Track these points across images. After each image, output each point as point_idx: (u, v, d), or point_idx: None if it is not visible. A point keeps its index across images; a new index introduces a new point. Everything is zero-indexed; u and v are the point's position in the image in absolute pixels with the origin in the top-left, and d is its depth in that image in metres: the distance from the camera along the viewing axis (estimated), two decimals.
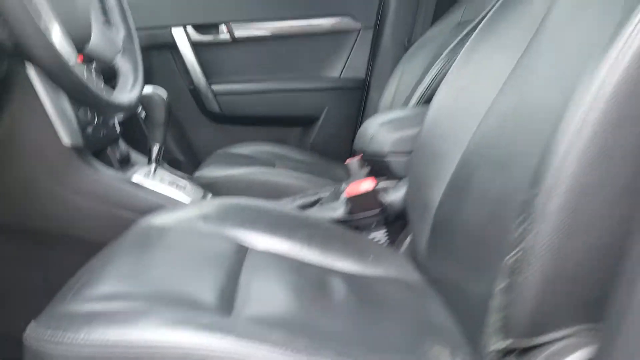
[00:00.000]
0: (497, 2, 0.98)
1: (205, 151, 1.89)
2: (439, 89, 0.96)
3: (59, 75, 0.69)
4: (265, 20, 1.84)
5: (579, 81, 0.51)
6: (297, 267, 0.86)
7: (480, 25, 0.99)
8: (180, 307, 0.60)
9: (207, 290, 0.69)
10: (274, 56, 1.88)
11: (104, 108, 0.77)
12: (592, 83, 0.49)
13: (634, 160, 0.48)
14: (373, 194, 0.98)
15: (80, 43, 0.76)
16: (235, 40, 1.84)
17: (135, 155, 1.22)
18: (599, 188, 0.48)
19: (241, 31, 1.84)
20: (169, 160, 1.89)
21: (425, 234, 0.90)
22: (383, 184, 1.06)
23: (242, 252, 0.86)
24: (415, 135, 1.02)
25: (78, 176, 0.97)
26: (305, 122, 1.90)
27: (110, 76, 0.96)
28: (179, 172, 1.20)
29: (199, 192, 1.17)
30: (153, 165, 1.12)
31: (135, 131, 1.23)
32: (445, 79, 0.96)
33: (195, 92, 1.83)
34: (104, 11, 0.92)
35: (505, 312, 0.54)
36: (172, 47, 1.81)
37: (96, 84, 0.76)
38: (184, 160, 1.91)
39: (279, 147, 1.76)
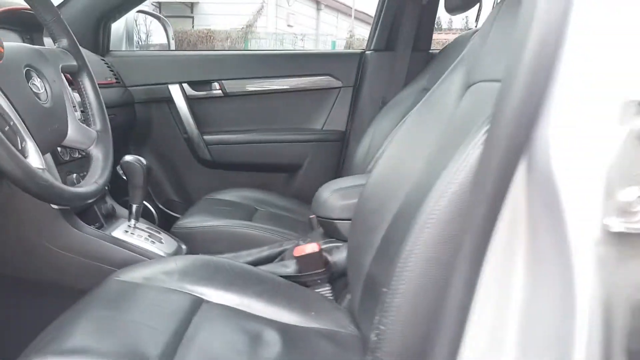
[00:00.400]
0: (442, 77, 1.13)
1: (198, 193, 2.05)
2: (380, 158, 1.11)
3: (26, 185, 0.83)
4: (254, 78, 2.01)
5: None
6: (243, 318, 1.01)
7: (419, 105, 1.14)
8: None
9: (153, 346, 0.84)
10: (262, 110, 2.05)
11: (70, 201, 0.93)
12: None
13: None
14: (318, 255, 1.12)
15: (59, 137, 0.93)
16: (226, 95, 2.01)
17: (119, 209, 1.38)
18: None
19: (232, 87, 2.01)
20: (165, 201, 2.06)
21: (358, 293, 1.04)
22: (329, 245, 1.20)
23: (196, 305, 1.01)
24: None
25: (64, 234, 1.13)
26: (289, 169, 2.06)
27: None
28: (156, 227, 1.36)
29: (173, 244, 1.32)
30: (132, 222, 1.28)
31: (120, 186, 1.39)
32: (385, 151, 1.11)
33: (189, 140, 2.01)
34: (83, 111, 1.10)
35: None
36: (169, 100, 2.00)
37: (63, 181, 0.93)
38: (178, 200, 2.08)
39: (263, 193, 1.91)
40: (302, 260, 1.13)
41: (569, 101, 0.45)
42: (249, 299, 1.06)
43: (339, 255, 1.15)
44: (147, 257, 1.21)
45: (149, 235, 1.28)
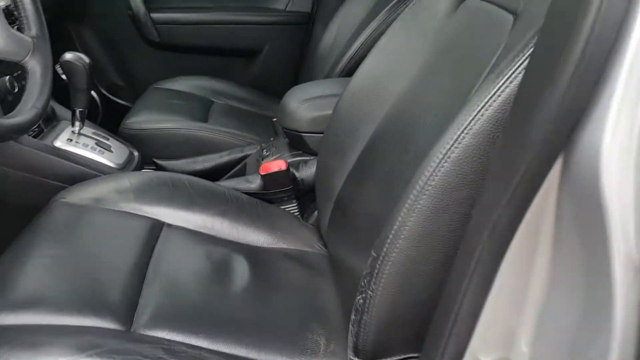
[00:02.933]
0: None
1: (145, 78, 1.88)
2: (357, 71, 1.00)
3: None
4: None
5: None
6: (207, 243, 0.95)
7: (407, 9, 1.00)
8: (84, 333, 0.67)
9: (115, 287, 0.78)
10: None
11: (5, 137, 0.77)
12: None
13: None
14: (285, 173, 1.04)
15: None
16: None
17: (60, 109, 1.23)
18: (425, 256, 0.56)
19: None
20: (109, 85, 1.88)
21: (327, 212, 0.99)
22: (296, 159, 1.12)
23: (156, 230, 0.94)
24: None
25: (1, 149, 1.00)
26: (247, 54, 1.89)
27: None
28: (103, 131, 1.23)
29: (124, 152, 1.20)
30: (77, 128, 1.14)
31: (60, 86, 1.22)
32: (365, 60, 0.99)
33: (134, 18, 1.78)
34: (14, 14, 0.89)
35: (355, 335, 0.65)
36: None
37: None
38: (123, 85, 1.90)
39: (219, 81, 1.76)
40: (268, 178, 1.05)
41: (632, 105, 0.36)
42: (212, 219, 1.00)
43: (307, 171, 1.08)
44: (96, 170, 1.10)
45: (96, 143, 1.15)
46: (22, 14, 0.85)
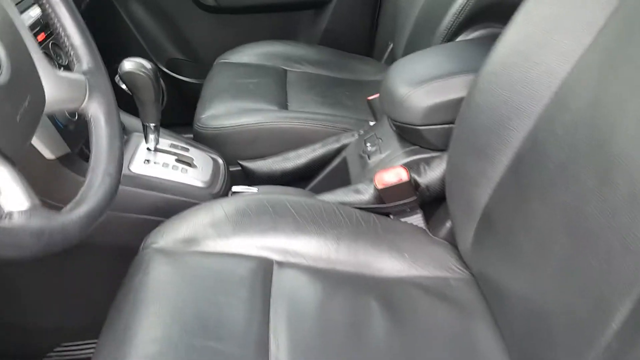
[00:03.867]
0: None
1: (205, 48, 1.69)
2: (496, 45, 0.76)
3: None
4: None
5: None
6: (327, 283, 0.80)
7: None
8: None
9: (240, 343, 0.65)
10: None
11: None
12: None
13: None
14: (407, 184, 0.85)
15: (37, 111, 0.57)
16: None
17: (126, 119, 1.07)
18: None
19: None
20: (168, 61, 1.70)
21: (470, 228, 0.80)
22: (414, 157, 0.92)
23: (267, 272, 0.79)
24: (456, 104, 0.85)
25: (71, 187, 0.86)
26: (315, 6, 1.64)
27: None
28: (180, 139, 1.06)
29: (208, 162, 1.04)
30: (152, 144, 0.98)
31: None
32: (507, 29, 0.76)
33: None
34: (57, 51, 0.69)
35: None
36: None
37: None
38: (185, 59, 1.72)
39: (287, 45, 1.54)
40: (385, 192, 0.86)
41: None
42: (326, 249, 0.83)
43: (432, 175, 0.88)
44: (183, 195, 0.95)
45: (176, 160, 0.99)
46: (66, 42, 0.65)
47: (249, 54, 1.50)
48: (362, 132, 1.11)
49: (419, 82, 0.89)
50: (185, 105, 1.75)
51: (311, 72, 1.47)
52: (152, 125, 0.96)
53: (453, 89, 0.86)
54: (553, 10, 0.69)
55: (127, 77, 0.89)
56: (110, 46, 1.65)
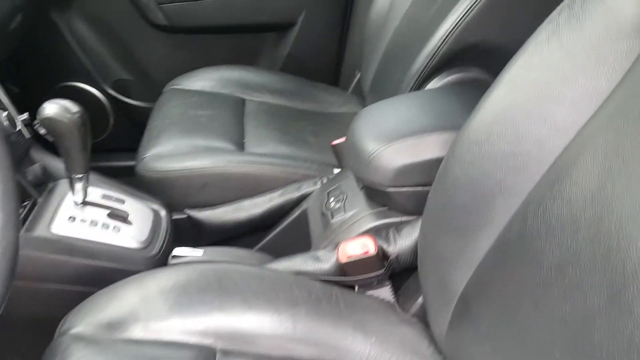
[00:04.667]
0: None
1: (156, 67, 1.55)
2: (479, 108, 0.66)
3: None
4: None
5: None
6: None
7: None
8: None
9: None
10: None
11: None
12: None
13: None
14: (374, 257, 0.74)
15: None
16: None
17: (53, 162, 0.92)
18: None
19: None
20: (114, 82, 1.56)
21: (445, 312, 0.70)
22: (382, 222, 0.81)
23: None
24: (430, 165, 0.75)
25: None
26: (277, 30, 1.52)
27: None
28: (114, 186, 0.92)
29: (147, 217, 0.91)
30: (80, 199, 0.84)
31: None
32: (493, 90, 0.65)
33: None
34: None
35: None
36: None
37: None
38: (133, 80, 1.57)
39: (246, 70, 1.42)
40: (349, 265, 0.75)
41: None
42: (280, 331, 0.72)
43: (403, 243, 0.77)
44: (113, 259, 0.81)
45: (109, 214, 0.86)
46: None
47: (203, 80, 1.37)
48: (325, 180, 0.99)
49: (390, 139, 0.78)
50: (132, 129, 1.60)
51: (271, 103, 1.35)
52: (78, 176, 0.82)
53: (428, 149, 0.76)
54: (545, 77, 0.58)
55: (48, 124, 0.76)
56: (50, 66, 1.50)
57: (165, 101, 1.29)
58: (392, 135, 0.78)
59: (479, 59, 0.94)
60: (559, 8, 0.59)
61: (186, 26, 1.47)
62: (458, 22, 0.90)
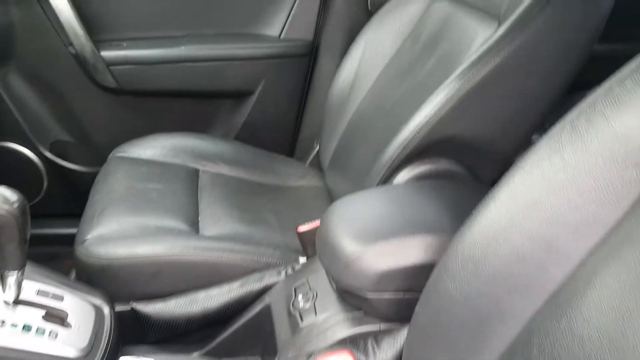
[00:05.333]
0: None
1: (102, 131, 1.44)
2: (484, 210, 0.60)
3: None
4: None
5: None
6: None
7: None
8: None
9: None
10: (190, 6, 1.37)
11: None
12: None
13: None
14: None
15: None
16: None
17: None
18: None
19: None
20: (52, 144, 1.43)
21: None
22: (360, 330, 0.74)
23: None
24: (415, 271, 0.70)
25: None
26: (234, 98, 1.46)
27: None
28: (52, 280, 0.81)
29: (89, 315, 0.79)
30: (11, 297, 0.72)
31: None
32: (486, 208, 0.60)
33: (79, 57, 1.32)
34: None
35: None
36: None
37: None
38: (73, 142, 1.45)
39: (200, 138, 1.34)
40: None
41: None
42: None
43: (384, 356, 0.70)
44: None
45: (44, 316, 0.74)
46: None
47: (153, 147, 1.28)
48: (290, 271, 0.92)
49: (370, 240, 0.72)
50: (70, 194, 1.48)
51: (227, 175, 1.27)
52: (12, 272, 0.71)
53: (411, 253, 0.70)
54: (549, 199, 0.55)
55: None
56: None
57: (111, 171, 1.18)
58: (372, 236, 0.72)
59: (451, 151, 0.92)
60: (560, 125, 0.57)
61: (136, 89, 1.38)
62: (432, 115, 0.88)
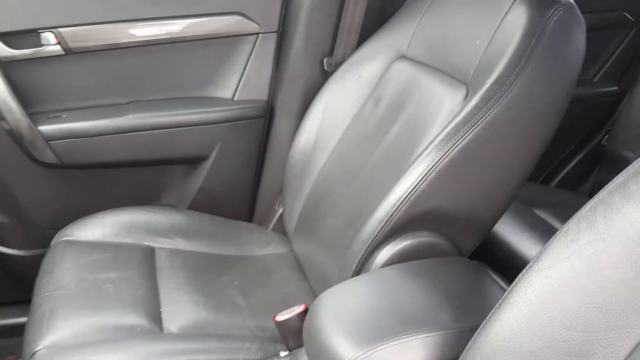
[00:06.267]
0: None
1: (41, 209, 1.31)
2: (501, 315, 0.55)
3: None
4: (116, 21, 1.21)
5: None
6: None
7: None
8: None
9: None
10: (135, 72, 1.29)
11: None
12: None
13: None
14: None
15: None
16: (69, 53, 1.20)
17: None
18: None
19: (78, 40, 1.20)
20: None
21: None
22: None
23: None
24: None
25: None
26: (190, 162, 1.38)
27: None
28: None
29: None
30: None
31: None
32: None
33: (13, 134, 1.20)
34: None
35: None
36: None
37: None
38: (8, 222, 1.31)
39: (153, 212, 1.24)
40: None
41: None
42: None
43: None
44: None
45: None
46: None
47: (102, 226, 1.17)
48: None
49: (368, 340, 0.66)
50: (9, 280, 1.33)
51: (185, 250, 1.18)
52: None
53: (414, 354, 0.65)
54: (573, 304, 0.51)
55: None
56: None
57: (57, 261, 1.06)
58: (370, 336, 0.66)
59: (432, 223, 0.88)
60: (576, 220, 0.53)
61: (80, 163, 1.27)
62: (412, 188, 0.84)
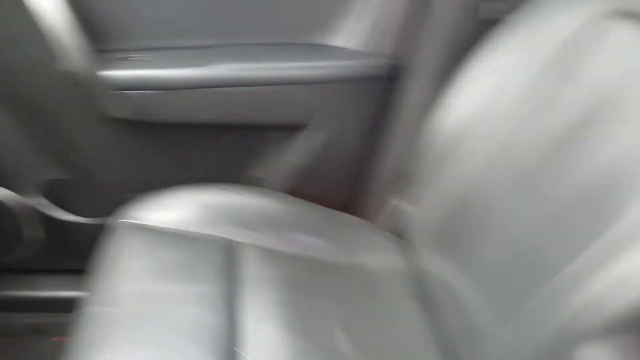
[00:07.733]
0: None
1: (104, 168, 1.09)
2: None
3: None
4: None
5: None
6: None
7: None
8: None
9: None
10: (225, 6, 0.98)
11: None
12: None
13: None
14: None
15: None
16: None
17: None
18: None
19: None
20: (46, 185, 1.09)
21: None
22: None
23: None
24: None
25: None
26: (287, 129, 1.08)
27: None
28: None
29: None
30: None
31: None
32: None
33: (75, 80, 0.95)
34: None
35: None
36: None
37: None
38: (70, 179, 1.09)
39: (239, 195, 0.97)
40: None
41: None
42: None
43: None
44: None
45: None
46: None
47: (178, 208, 0.93)
48: None
49: None
50: (64, 248, 1.14)
51: (277, 250, 0.91)
52: None
53: None
54: None
55: None
56: None
57: (117, 255, 0.83)
58: None
59: None
60: None
61: (158, 121, 1.01)
62: None
